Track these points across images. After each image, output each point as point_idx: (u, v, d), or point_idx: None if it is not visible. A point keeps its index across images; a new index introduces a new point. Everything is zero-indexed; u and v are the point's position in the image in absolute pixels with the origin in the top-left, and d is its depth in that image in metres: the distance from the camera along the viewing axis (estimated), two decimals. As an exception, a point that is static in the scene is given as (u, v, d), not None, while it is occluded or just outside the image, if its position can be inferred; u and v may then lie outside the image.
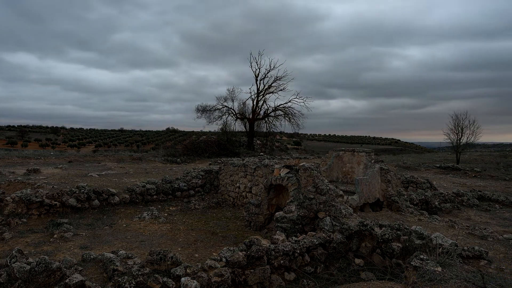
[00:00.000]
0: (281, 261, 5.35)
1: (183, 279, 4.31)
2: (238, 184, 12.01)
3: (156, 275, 4.31)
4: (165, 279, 4.32)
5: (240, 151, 29.69)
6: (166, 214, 10.23)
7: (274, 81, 34.57)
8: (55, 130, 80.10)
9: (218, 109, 35.16)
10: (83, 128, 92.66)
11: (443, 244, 5.14)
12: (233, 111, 35.42)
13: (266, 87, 34.72)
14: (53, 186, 10.64)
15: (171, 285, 4.27)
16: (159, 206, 10.99)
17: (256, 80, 34.79)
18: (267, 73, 34.33)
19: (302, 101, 34.29)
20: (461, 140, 30.27)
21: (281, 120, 35.07)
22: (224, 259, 4.93)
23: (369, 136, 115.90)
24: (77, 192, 10.08)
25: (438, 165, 22.25)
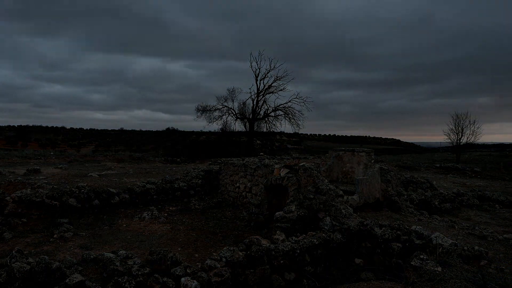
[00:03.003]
0: (281, 261, 5.35)
1: (183, 279, 4.32)
2: (238, 184, 12.01)
3: (156, 275, 4.32)
4: (165, 279, 4.32)
5: (240, 151, 29.68)
6: (166, 214, 10.22)
7: (274, 81, 34.60)
8: (55, 130, 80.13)
9: (218, 109, 35.20)
10: (83, 128, 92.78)
11: (443, 244, 5.14)
12: (233, 111, 35.44)
13: (266, 87, 34.75)
14: (53, 186, 10.64)
15: (171, 285, 4.28)
16: (159, 206, 10.98)
17: (256, 80, 34.82)
18: (267, 73, 34.37)
19: (302, 101, 34.33)
20: (461, 140, 30.30)
21: (281, 120, 35.10)
22: (224, 259, 4.93)
23: (369, 136, 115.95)
24: (77, 192, 10.07)
25: (438, 165, 22.26)
